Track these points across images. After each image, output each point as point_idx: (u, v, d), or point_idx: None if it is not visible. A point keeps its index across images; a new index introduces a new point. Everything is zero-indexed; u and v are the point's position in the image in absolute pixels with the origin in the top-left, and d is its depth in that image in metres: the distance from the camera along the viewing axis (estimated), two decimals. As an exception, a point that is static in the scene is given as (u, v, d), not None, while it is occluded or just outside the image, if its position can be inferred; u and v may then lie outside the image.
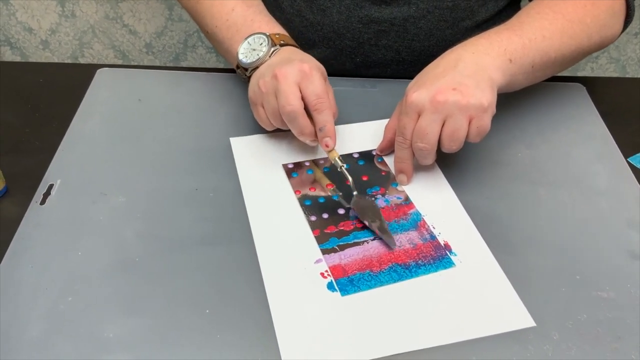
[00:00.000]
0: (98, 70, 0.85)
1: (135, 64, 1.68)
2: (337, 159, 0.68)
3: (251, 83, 0.71)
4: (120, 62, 1.68)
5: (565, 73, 1.69)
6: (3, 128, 0.76)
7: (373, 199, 0.67)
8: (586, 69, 1.64)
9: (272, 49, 0.71)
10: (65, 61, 1.68)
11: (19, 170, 0.69)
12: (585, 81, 0.86)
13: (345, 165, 0.68)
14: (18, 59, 1.69)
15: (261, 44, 0.72)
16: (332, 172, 0.70)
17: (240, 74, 0.74)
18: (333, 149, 0.68)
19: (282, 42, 0.72)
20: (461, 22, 0.82)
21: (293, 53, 0.71)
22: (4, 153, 0.70)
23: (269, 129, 0.71)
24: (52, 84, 0.84)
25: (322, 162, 0.72)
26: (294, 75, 0.66)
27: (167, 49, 1.65)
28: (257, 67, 0.71)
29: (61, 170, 0.70)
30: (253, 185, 0.69)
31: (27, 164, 0.70)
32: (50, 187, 0.67)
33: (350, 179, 0.67)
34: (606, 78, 1.20)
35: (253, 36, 0.72)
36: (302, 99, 0.66)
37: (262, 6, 0.79)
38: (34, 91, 0.83)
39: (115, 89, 0.82)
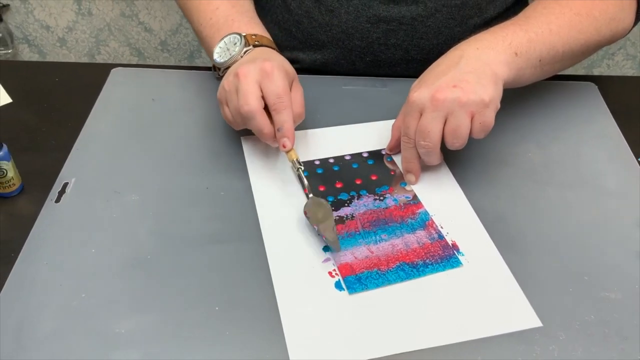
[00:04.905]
0: (112, 70, 0.86)
1: (151, 61, 1.69)
2: (294, 160, 0.68)
3: (221, 82, 0.71)
4: (135, 59, 1.70)
5: (580, 70, 1.68)
6: (20, 127, 0.77)
7: (377, 199, 0.67)
8: (602, 66, 1.63)
9: (245, 49, 0.71)
10: (82, 59, 1.70)
11: (34, 169, 0.71)
12: (598, 80, 0.86)
13: (302, 168, 0.68)
14: (36, 56, 1.71)
15: (235, 43, 0.72)
16: (341, 171, 0.71)
17: (214, 74, 0.75)
18: (291, 149, 0.68)
19: (257, 42, 0.72)
20: (469, 19, 0.82)
21: (262, 53, 0.71)
22: (21, 151, 0.71)
23: (236, 128, 0.71)
24: (67, 83, 0.85)
25: (331, 161, 0.72)
26: (255, 74, 0.66)
27: (182, 46, 1.67)
28: (228, 67, 0.71)
29: (76, 168, 0.71)
30: (263, 184, 0.69)
31: (42, 163, 0.72)
32: (65, 185, 0.69)
33: (305, 182, 0.67)
34: (619, 77, 1.19)
35: (229, 36, 0.73)
36: (263, 98, 0.66)
37: (247, 6, 0.79)
38: (50, 90, 0.84)
39: (129, 89, 0.84)
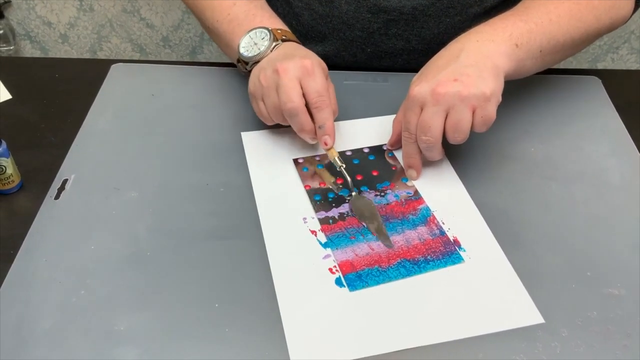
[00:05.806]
0: (112, 66, 0.86)
1: (152, 57, 1.69)
2: (336, 158, 0.68)
3: (252, 77, 0.71)
4: (137, 55, 1.69)
5: (584, 64, 1.66)
6: (19, 123, 0.77)
7: (378, 194, 0.67)
8: (606, 60, 1.62)
9: (274, 44, 0.71)
10: (84, 55, 1.70)
11: (34, 166, 0.71)
12: (602, 74, 0.85)
13: (343, 165, 0.68)
14: (38, 52, 1.71)
15: (263, 38, 0.72)
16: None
17: (240, 68, 0.75)
18: (332, 147, 0.69)
19: (284, 37, 0.72)
20: (469, 8, 0.82)
21: (295, 49, 0.71)
22: (20, 148, 0.71)
23: (269, 123, 0.71)
24: (67, 80, 0.85)
25: (332, 156, 0.72)
26: (295, 71, 0.66)
27: (183, 42, 1.66)
28: (257, 62, 0.71)
29: (75, 165, 0.71)
30: (263, 179, 0.69)
31: (42, 159, 0.72)
32: (65, 182, 0.69)
33: (349, 179, 0.67)
34: (624, 71, 1.18)
35: (255, 30, 0.73)
36: (303, 95, 0.66)
37: (263, 2, 0.79)
38: (49, 86, 0.84)
39: (129, 84, 0.83)
